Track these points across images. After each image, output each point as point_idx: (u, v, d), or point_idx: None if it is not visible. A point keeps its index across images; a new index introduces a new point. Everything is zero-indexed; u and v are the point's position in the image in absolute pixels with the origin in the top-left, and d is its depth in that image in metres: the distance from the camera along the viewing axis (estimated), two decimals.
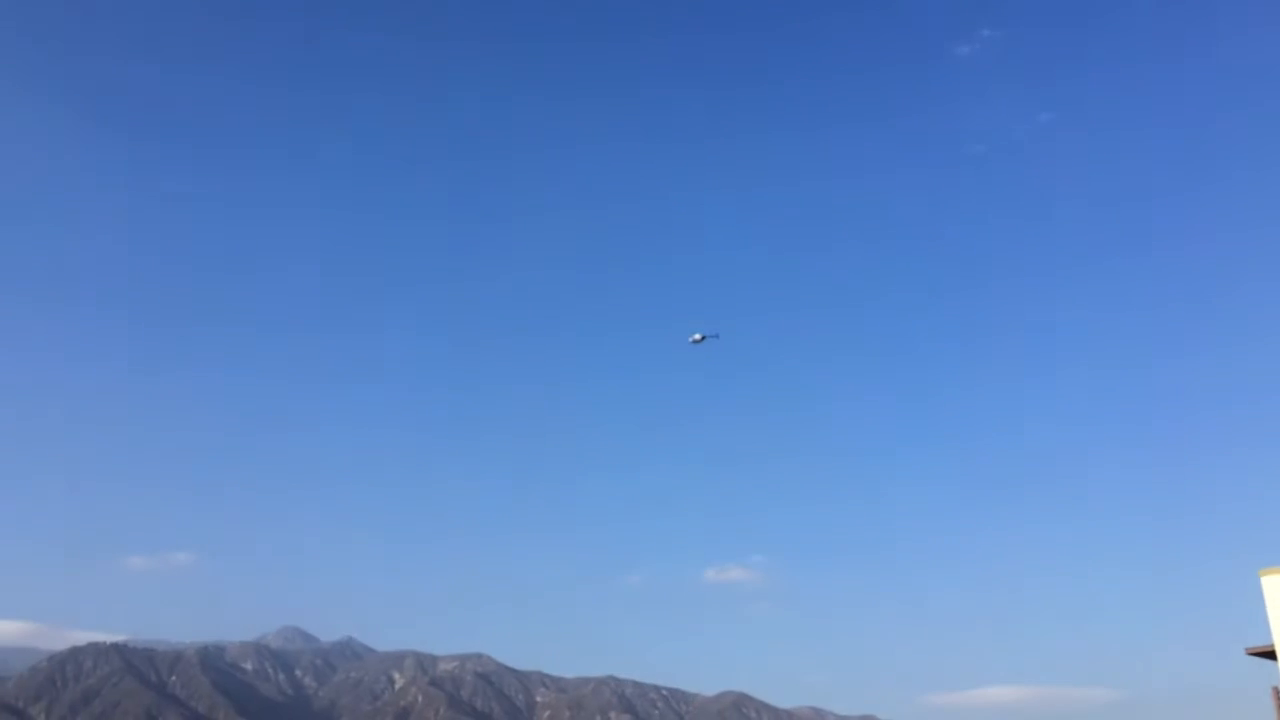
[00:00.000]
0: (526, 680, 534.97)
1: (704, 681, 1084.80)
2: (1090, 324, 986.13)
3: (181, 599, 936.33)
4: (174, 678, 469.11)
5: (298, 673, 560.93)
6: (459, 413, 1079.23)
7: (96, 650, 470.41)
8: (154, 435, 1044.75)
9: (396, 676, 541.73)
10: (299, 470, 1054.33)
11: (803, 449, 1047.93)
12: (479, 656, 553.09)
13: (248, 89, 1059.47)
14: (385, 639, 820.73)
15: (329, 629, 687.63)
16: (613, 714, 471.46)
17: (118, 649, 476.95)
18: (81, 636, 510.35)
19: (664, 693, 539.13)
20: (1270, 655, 63.52)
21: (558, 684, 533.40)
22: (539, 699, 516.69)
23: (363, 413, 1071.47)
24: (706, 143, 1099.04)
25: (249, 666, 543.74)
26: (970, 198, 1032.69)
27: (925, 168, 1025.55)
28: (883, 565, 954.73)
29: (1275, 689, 61.96)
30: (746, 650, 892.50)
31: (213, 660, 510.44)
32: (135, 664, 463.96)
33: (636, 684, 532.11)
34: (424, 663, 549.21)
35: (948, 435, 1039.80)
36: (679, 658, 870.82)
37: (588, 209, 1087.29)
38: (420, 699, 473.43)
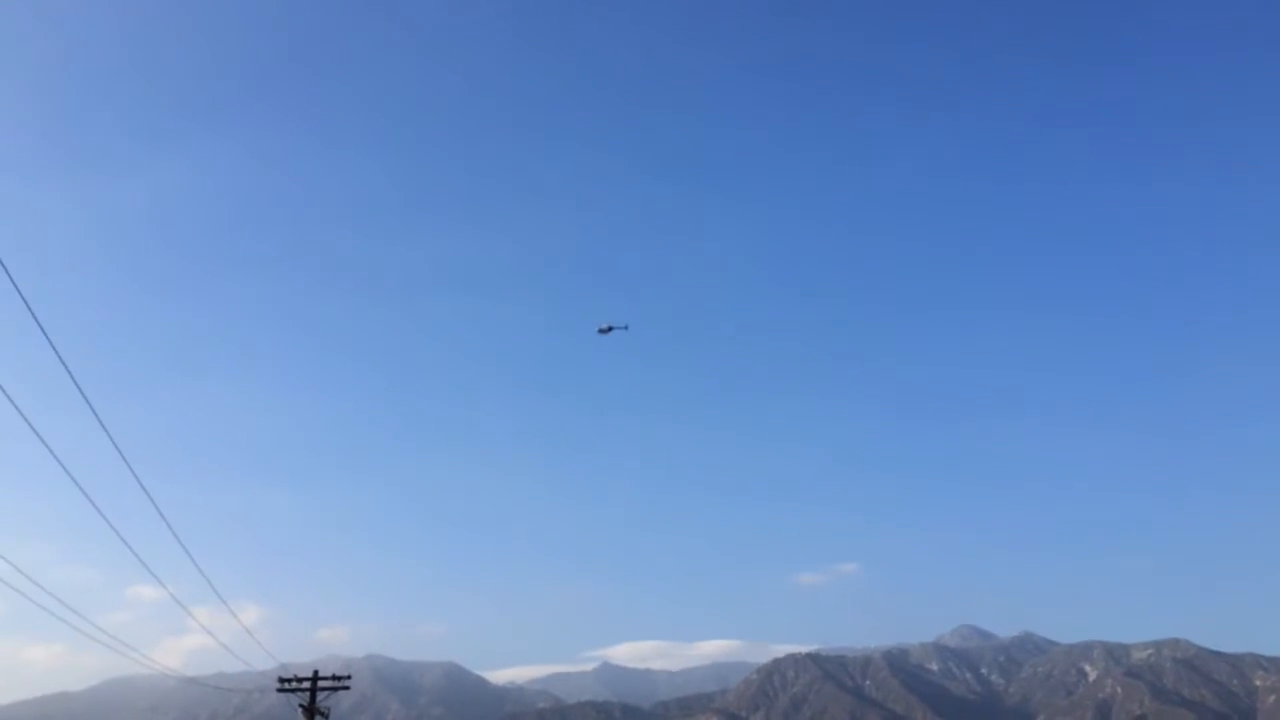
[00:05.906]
0: (1239, 663, 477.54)
1: None
2: None
3: (854, 607, 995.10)
4: (867, 681, 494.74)
5: (982, 670, 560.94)
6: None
7: (795, 660, 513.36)
8: (782, 464, 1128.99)
9: (1087, 668, 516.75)
10: (931, 482, 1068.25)
11: None
12: (1175, 641, 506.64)
13: None
14: (1066, 631, 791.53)
15: (1004, 625, 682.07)
16: None
17: (812, 658, 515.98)
18: (780, 649, 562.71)
19: None
20: None
21: (1278, 665, 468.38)
22: (1259, 683, 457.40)
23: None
24: None
25: (934, 667, 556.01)
26: None
27: None
28: None
29: None
30: None
31: (899, 663, 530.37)
32: (830, 670, 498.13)
33: None
34: (1114, 652, 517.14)
35: None
36: None
37: None
38: (1119, 690, 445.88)
